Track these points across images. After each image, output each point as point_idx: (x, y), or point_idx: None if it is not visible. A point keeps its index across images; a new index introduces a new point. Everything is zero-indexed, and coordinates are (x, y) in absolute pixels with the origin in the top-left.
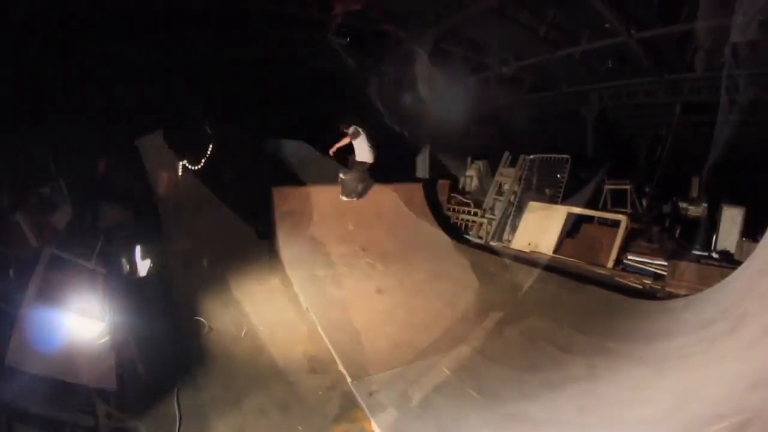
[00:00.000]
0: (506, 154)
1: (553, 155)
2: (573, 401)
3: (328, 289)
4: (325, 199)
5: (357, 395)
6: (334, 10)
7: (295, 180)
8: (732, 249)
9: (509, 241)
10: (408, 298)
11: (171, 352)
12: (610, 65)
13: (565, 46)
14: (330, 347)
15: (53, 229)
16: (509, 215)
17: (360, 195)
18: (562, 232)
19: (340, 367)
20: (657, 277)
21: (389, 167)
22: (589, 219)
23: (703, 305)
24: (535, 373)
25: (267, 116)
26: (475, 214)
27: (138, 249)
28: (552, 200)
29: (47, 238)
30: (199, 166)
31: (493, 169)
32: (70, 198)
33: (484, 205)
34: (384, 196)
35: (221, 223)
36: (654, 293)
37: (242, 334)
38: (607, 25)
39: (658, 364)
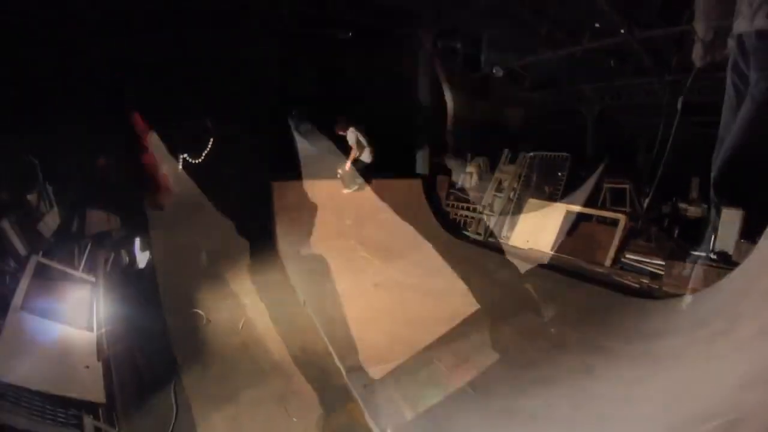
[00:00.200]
0: (506, 151)
1: (553, 153)
2: (567, 398)
3: (326, 284)
4: (323, 194)
5: (352, 388)
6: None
7: (294, 175)
8: (730, 250)
9: (507, 238)
10: (405, 294)
11: (168, 343)
12: (612, 65)
13: (566, 45)
14: (326, 340)
15: (40, 235)
16: (508, 212)
17: (360, 187)
18: (560, 230)
19: (336, 361)
20: (654, 276)
21: (388, 163)
22: (588, 217)
23: (700, 305)
24: (530, 369)
25: (267, 113)
26: (474, 210)
27: (137, 241)
28: (551, 198)
29: (34, 245)
30: (199, 161)
31: (492, 166)
32: (59, 203)
33: (483, 202)
34: (382, 191)
35: (220, 217)
36: (651, 292)
37: (239, 327)
38: (603, 26)
39: (652, 362)
